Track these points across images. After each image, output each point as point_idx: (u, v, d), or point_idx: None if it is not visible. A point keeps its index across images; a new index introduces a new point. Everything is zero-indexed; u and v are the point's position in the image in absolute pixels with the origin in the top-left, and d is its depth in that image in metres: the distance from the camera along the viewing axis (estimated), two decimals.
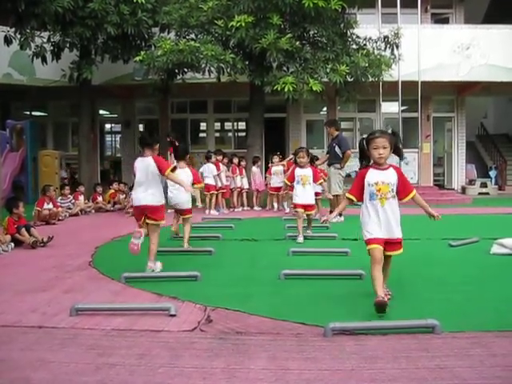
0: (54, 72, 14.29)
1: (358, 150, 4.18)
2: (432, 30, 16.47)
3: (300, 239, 7.32)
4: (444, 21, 18.32)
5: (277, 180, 12.04)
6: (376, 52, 12.78)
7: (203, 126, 19.11)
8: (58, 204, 10.69)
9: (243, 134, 18.33)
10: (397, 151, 4.06)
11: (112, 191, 12.77)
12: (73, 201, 11.68)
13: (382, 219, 3.91)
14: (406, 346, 3.21)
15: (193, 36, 12.31)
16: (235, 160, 12.71)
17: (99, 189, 12.83)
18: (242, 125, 18.91)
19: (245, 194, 12.86)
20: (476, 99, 18.81)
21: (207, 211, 11.23)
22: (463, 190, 18.07)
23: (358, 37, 13.18)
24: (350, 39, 13.00)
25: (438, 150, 19.43)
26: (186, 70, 12.59)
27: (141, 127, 19.33)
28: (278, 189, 11.99)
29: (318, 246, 6.92)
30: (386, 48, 13.24)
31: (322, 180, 8.44)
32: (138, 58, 11.68)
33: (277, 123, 17.82)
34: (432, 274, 5.19)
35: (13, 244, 7.04)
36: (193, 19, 11.55)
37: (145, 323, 3.69)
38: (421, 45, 14.88)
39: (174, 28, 12.32)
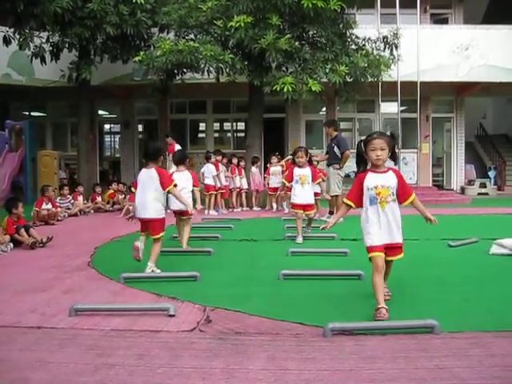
0: (52, 72, 14.28)
1: (355, 153, 4.14)
2: (431, 30, 16.48)
3: (299, 239, 7.31)
4: (443, 21, 18.33)
5: (275, 180, 12.04)
6: (375, 52, 12.79)
7: (202, 126, 19.12)
8: (57, 204, 10.69)
9: (242, 134, 18.33)
10: (392, 155, 4.00)
11: (111, 191, 12.77)
12: (72, 201, 11.67)
13: (382, 223, 3.84)
14: (404, 346, 3.21)
15: (192, 36, 12.30)
16: (234, 160, 12.71)
17: (98, 189, 12.83)
18: (241, 125, 18.92)
19: (244, 195, 12.86)
20: (475, 100, 18.83)
21: (206, 211, 11.23)
22: (462, 190, 18.09)
23: (357, 37, 13.18)
24: (349, 39, 13.00)
25: (437, 150, 19.44)
26: (185, 70, 12.59)
27: (140, 127, 19.35)
28: (276, 189, 11.99)
29: (317, 246, 6.93)
30: (385, 48, 13.25)
31: (321, 180, 8.42)
32: (137, 59, 11.68)
33: (276, 123, 17.82)
34: (431, 275, 5.20)
35: (12, 244, 7.03)
36: (192, 19, 11.55)
37: (144, 323, 3.69)
38: (420, 45, 14.89)
39: (173, 28, 12.32)
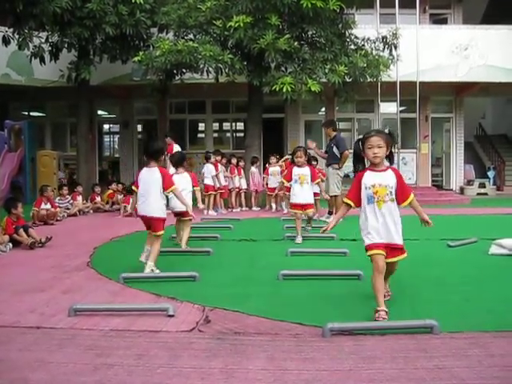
0: (52, 72, 14.28)
1: (352, 152, 4.12)
2: (430, 30, 16.48)
3: (298, 240, 7.31)
4: (442, 21, 18.34)
5: (274, 180, 12.05)
6: (374, 52, 12.77)
7: (201, 126, 19.11)
8: (56, 204, 10.68)
9: (241, 134, 18.33)
10: (389, 155, 3.94)
11: (110, 191, 12.76)
12: (71, 201, 11.66)
13: (380, 223, 3.77)
14: (404, 346, 3.21)
15: (191, 36, 12.28)
16: (233, 160, 12.71)
17: (97, 189, 12.82)
18: (240, 125, 18.91)
19: (243, 195, 12.86)
20: (474, 100, 18.84)
21: (206, 211, 11.23)
22: (461, 190, 18.09)
23: (356, 37, 13.17)
24: (348, 40, 12.98)
25: (437, 150, 19.45)
26: (184, 70, 12.58)
27: (139, 127, 19.33)
28: (275, 189, 12.00)
29: (317, 246, 6.93)
30: (384, 48, 13.23)
31: (320, 180, 8.41)
32: (136, 59, 11.66)
33: (275, 123, 17.83)
34: (430, 275, 5.20)
35: (11, 244, 7.03)
36: (191, 19, 11.54)
37: (143, 323, 3.69)
38: (419, 45, 14.89)
39: (173, 28, 12.31)
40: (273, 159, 12.50)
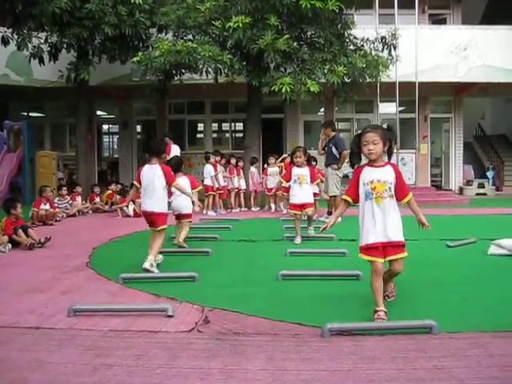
0: (51, 73, 14.29)
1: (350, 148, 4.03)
2: (429, 30, 16.48)
3: (297, 240, 7.31)
4: (441, 21, 18.35)
5: (273, 181, 12.05)
6: (373, 53, 12.78)
7: (201, 126, 19.10)
8: (55, 205, 10.68)
9: (241, 134, 18.33)
10: (388, 149, 3.81)
11: (109, 192, 12.75)
12: (70, 201, 11.66)
13: (377, 220, 3.66)
14: (403, 346, 3.21)
15: (190, 37, 12.29)
16: (233, 161, 12.72)
17: (97, 189, 12.83)
18: (239, 125, 18.92)
19: (242, 195, 12.87)
20: (473, 100, 18.84)
21: (205, 212, 11.24)
22: (461, 190, 18.10)
23: (355, 38, 13.18)
24: (347, 40, 12.99)
25: (436, 150, 19.46)
26: (183, 70, 12.59)
27: (138, 128, 19.33)
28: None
29: (316, 246, 6.94)
30: (383, 49, 13.25)
31: (319, 181, 8.40)
32: (135, 59, 11.66)
33: (274, 124, 17.83)
34: (429, 275, 5.20)
35: (10, 245, 7.03)
36: (190, 20, 11.54)
37: (142, 324, 3.69)
38: (418, 46, 14.90)
39: (172, 29, 12.32)
40: (271, 159, 12.50)
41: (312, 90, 11.05)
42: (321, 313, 3.89)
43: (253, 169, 12.94)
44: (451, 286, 4.76)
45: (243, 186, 12.80)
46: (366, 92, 13.07)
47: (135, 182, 5.81)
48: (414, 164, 16.87)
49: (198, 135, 19.42)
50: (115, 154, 19.95)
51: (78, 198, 11.98)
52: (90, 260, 6.21)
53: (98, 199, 12.57)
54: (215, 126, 19.37)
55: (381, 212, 3.68)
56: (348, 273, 5.06)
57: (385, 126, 3.93)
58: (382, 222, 3.67)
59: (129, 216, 11.10)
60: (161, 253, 5.90)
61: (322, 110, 17.99)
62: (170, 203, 6.52)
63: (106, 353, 3.14)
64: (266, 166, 12.81)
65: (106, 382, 2.74)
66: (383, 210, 3.68)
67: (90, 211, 12.04)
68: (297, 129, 17.91)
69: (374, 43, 13.23)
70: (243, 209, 12.69)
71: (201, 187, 7.36)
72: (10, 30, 12.64)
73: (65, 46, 13.00)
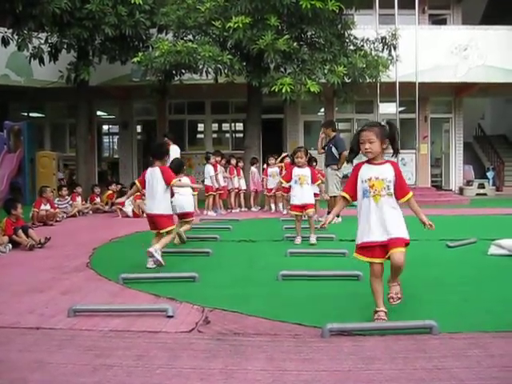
0: (51, 73, 14.29)
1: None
2: (429, 30, 16.50)
3: (298, 240, 7.31)
4: (441, 22, 18.35)
5: (273, 181, 12.04)
6: (373, 53, 12.79)
7: (201, 127, 19.11)
8: (56, 205, 10.69)
9: (241, 134, 18.33)
10: (392, 145, 3.71)
11: (110, 192, 12.74)
12: (70, 202, 11.66)
13: (374, 219, 3.59)
14: (403, 346, 3.21)
15: (190, 37, 12.30)
16: (233, 161, 12.72)
17: (97, 190, 12.83)
18: (239, 126, 18.92)
19: (242, 195, 12.86)
20: (473, 100, 18.84)
21: (205, 212, 11.23)
22: (461, 190, 18.10)
23: (355, 38, 13.19)
24: (347, 40, 13.00)
25: (436, 151, 19.46)
26: (183, 71, 12.60)
27: (138, 128, 19.34)
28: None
29: (316, 246, 6.94)
30: (383, 49, 13.25)
31: (320, 181, 8.38)
32: (135, 59, 11.67)
33: (274, 124, 17.84)
34: (429, 275, 5.20)
35: (10, 245, 7.03)
36: (190, 20, 11.55)
37: (142, 324, 3.69)
38: (418, 46, 14.90)
39: (172, 29, 12.32)
40: (271, 160, 12.49)
41: (312, 90, 11.06)
42: (321, 313, 3.89)
43: (253, 168, 12.94)
44: (451, 286, 4.76)
45: (243, 187, 12.80)
46: (366, 92, 13.07)
47: (137, 181, 5.96)
48: (414, 164, 16.87)
49: (198, 135, 19.43)
50: (115, 155, 19.96)
51: (78, 199, 11.98)
52: (90, 260, 6.21)
53: (98, 199, 12.57)
54: (215, 126, 19.38)
55: (378, 210, 3.61)
56: (348, 273, 5.06)
57: (383, 123, 3.83)
58: (380, 221, 3.59)
59: (128, 216, 11.11)
60: (164, 253, 5.91)
61: (322, 110, 17.99)
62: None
63: (106, 353, 3.14)
64: (265, 166, 12.81)
65: (106, 383, 2.73)
66: (381, 208, 3.60)
67: (90, 211, 12.05)
68: (297, 129, 17.91)
69: (374, 43, 13.24)
70: (243, 209, 12.69)
71: (201, 186, 7.41)
72: (11, 31, 12.65)
73: (65, 46, 13.01)
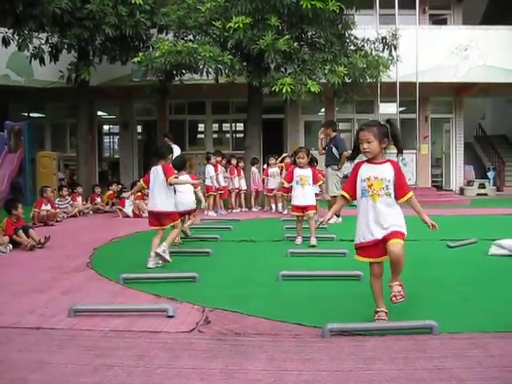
0: (51, 73, 14.29)
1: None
2: (430, 30, 16.49)
3: (298, 240, 7.30)
4: (442, 22, 18.34)
5: (273, 182, 12.04)
6: (374, 53, 12.78)
7: (201, 127, 19.12)
8: (56, 205, 10.69)
9: (241, 135, 18.33)
10: (395, 144, 3.68)
11: (110, 192, 12.74)
12: (71, 202, 11.66)
13: (371, 218, 3.56)
14: (403, 346, 3.21)
15: (191, 37, 12.29)
16: (233, 161, 12.72)
17: (97, 190, 12.83)
18: (240, 126, 18.92)
19: (243, 195, 12.86)
20: (474, 100, 18.84)
21: (206, 212, 11.24)
22: (461, 191, 18.10)
23: (355, 38, 13.18)
24: (347, 40, 13.00)
25: (436, 151, 19.46)
26: (184, 71, 12.59)
27: (139, 128, 19.35)
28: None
29: (316, 247, 6.94)
30: (383, 49, 13.25)
31: (322, 182, 8.35)
32: (136, 60, 11.66)
33: (275, 124, 17.83)
34: (430, 275, 5.21)
35: (11, 245, 7.03)
36: (191, 20, 11.54)
37: (143, 324, 3.70)
38: (419, 46, 14.90)
39: (172, 29, 12.32)
40: (272, 160, 12.49)
41: (312, 90, 11.05)
42: (321, 313, 3.89)
43: (254, 169, 12.94)
44: (452, 286, 4.77)
45: (244, 187, 12.80)
46: (367, 92, 13.06)
47: (141, 180, 6.28)
48: (414, 164, 16.86)
49: (199, 135, 19.43)
50: (116, 155, 19.96)
51: (79, 199, 11.98)
52: (91, 260, 6.21)
53: (98, 200, 12.57)
54: (216, 126, 19.38)
55: (376, 210, 3.57)
56: (349, 273, 5.05)
57: (383, 122, 3.76)
58: (377, 220, 3.57)
59: (128, 217, 11.12)
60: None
61: (323, 110, 17.99)
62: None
63: (107, 353, 3.14)
64: (266, 166, 12.81)
65: (107, 383, 2.74)
66: (379, 207, 3.57)
67: (91, 212, 12.04)
68: (297, 129, 17.91)
69: (374, 43, 13.23)
70: (244, 209, 12.69)
71: (199, 181, 7.49)
72: (11, 31, 12.64)
73: (65, 46, 13.00)
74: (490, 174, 19.46)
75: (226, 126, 19.44)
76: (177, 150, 10.64)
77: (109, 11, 12.06)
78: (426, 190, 16.19)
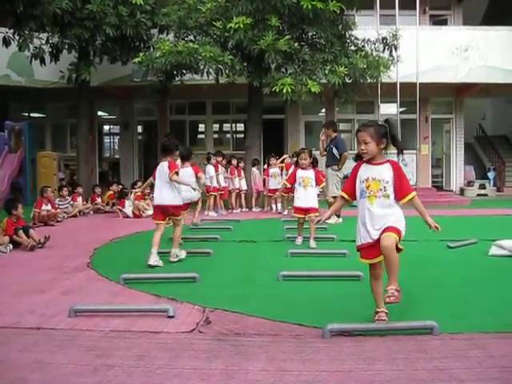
0: (52, 73, 14.29)
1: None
2: (430, 31, 16.48)
3: (299, 241, 7.29)
4: (442, 22, 18.33)
5: (274, 182, 12.04)
6: (374, 53, 12.79)
7: (202, 127, 19.11)
8: (57, 205, 10.69)
9: (242, 135, 18.33)
10: (394, 143, 3.62)
11: (111, 192, 12.74)
12: (71, 202, 11.66)
13: (368, 220, 3.54)
14: (404, 347, 3.21)
15: (191, 37, 12.30)
16: (234, 161, 12.71)
17: (98, 190, 12.82)
18: (240, 126, 18.91)
19: (243, 196, 12.86)
20: (474, 101, 18.82)
21: (206, 212, 11.23)
22: (461, 191, 18.09)
23: (356, 38, 13.19)
24: (348, 41, 13.01)
25: (437, 151, 19.45)
26: (184, 71, 12.59)
27: (139, 128, 19.34)
28: (275, 191, 12.00)
29: (317, 247, 6.94)
30: (384, 49, 13.25)
31: (325, 183, 8.31)
32: (136, 60, 11.67)
33: (275, 124, 17.82)
34: (430, 276, 5.20)
35: (11, 245, 7.03)
36: (191, 21, 11.55)
37: (143, 324, 3.70)
38: (419, 46, 14.89)
39: (173, 29, 12.33)
40: (273, 160, 12.48)
41: (313, 90, 11.06)
42: (321, 313, 3.89)
43: (254, 170, 12.94)
44: (452, 286, 4.77)
45: (244, 187, 12.80)
46: (367, 93, 13.06)
47: (151, 177, 6.45)
48: (414, 165, 16.84)
49: (199, 136, 19.43)
50: (116, 155, 19.95)
51: (79, 199, 11.97)
52: (91, 260, 6.21)
53: (99, 200, 12.57)
54: (216, 126, 19.37)
55: (373, 211, 3.54)
56: (349, 273, 5.05)
57: (380, 122, 3.72)
58: (374, 221, 3.53)
59: (128, 217, 11.12)
60: (162, 254, 5.92)
61: (323, 110, 17.98)
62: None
63: (107, 353, 3.14)
64: (266, 166, 12.80)
65: (107, 383, 2.74)
66: (376, 209, 3.53)
67: (91, 212, 12.04)
68: (298, 129, 17.90)
69: (374, 44, 13.24)
70: (244, 209, 12.68)
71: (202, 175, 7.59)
72: (12, 31, 12.64)
73: (66, 46, 13.01)
74: (491, 175, 19.44)
75: (226, 127, 19.44)
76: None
77: (109, 11, 12.07)
78: (427, 190, 16.17)
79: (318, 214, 7.34)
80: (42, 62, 13.16)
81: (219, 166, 11.90)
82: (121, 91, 16.58)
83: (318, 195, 8.97)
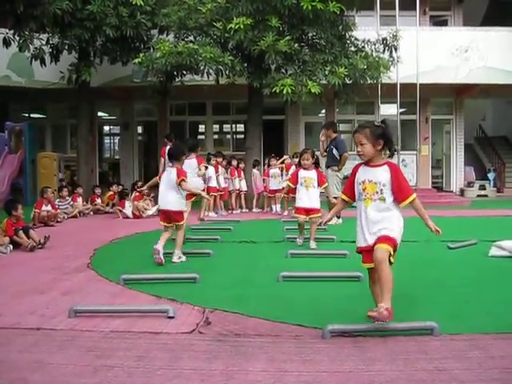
0: (52, 74, 14.28)
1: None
2: (430, 32, 16.47)
3: (299, 241, 7.29)
4: (442, 23, 18.33)
5: (275, 183, 12.03)
6: (374, 54, 12.79)
7: (202, 128, 19.11)
8: (57, 206, 10.69)
9: (242, 136, 18.34)
10: (387, 144, 3.55)
11: (111, 193, 12.74)
12: (71, 203, 11.66)
13: (364, 223, 3.50)
14: (404, 348, 3.21)
15: (191, 38, 12.31)
16: (234, 162, 12.72)
17: (98, 191, 12.82)
18: (240, 127, 18.91)
19: (243, 196, 12.86)
20: (474, 101, 18.83)
21: (206, 213, 11.22)
22: (462, 192, 18.08)
23: (356, 39, 13.19)
24: (348, 41, 13.01)
25: (437, 152, 19.44)
26: (184, 72, 12.59)
27: (139, 129, 19.34)
28: (275, 191, 11.99)
29: (317, 248, 6.93)
30: (384, 50, 13.26)
31: (327, 184, 8.28)
32: (136, 60, 11.67)
33: (275, 125, 17.82)
34: (430, 276, 5.20)
35: (11, 246, 7.03)
36: (191, 21, 11.56)
37: (143, 325, 3.70)
38: (419, 47, 14.90)
39: (173, 30, 12.33)
40: (273, 161, 12.48)
41: (313, 91, 11.06)
42: (322, 314, 3.89)
43: (255, 171, 12.94)
44: (452, 287, 4.76)
45: (244, 188, 12.80)
46: (367, 93, 13.06)
47: (158, 177, 6.52)
48: (414, 165, 16.86)
49: (200, 136, 19.40)
50: (116, 156, 19.94)
51: (79, 199, 11.98)
52: (91, 261, 6.21)
53: (99, 200, 12.56)
54: (216, 127, 19.37)
55: (369, 214, 3.48)
56: (349, 274, 5.05)
57: (377, 122, 3.62)
58: (369, 225, 3.48)
59: (128, 217, 11.11)
60: (165, 254, 5.92)
61: (323, 111, 17.98)
62: None
63: (107, 354, 3.14)
64: (266, 167, 12.80)
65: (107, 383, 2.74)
66: (371, 212, 3.47)
67: (91, 212, 12.04)
68: (298, 130, 17.90)
69: (375, 45, 13.24)
70: (244, 210, 12.68)
71: (205, 164, 7.76)
72: (12, 32, 12.63)
73: (66, 47, 13.01)
74: (491, 176, 19.44)
75: (226, 127, 19.44)
76: None
77: (109, 12, 12.08)
78: (427, 191, 16.16)
79: (320, 214, 7.27)
80: (43, 62, 13.16)
81: (219, 166, 11.90)
82: (121, 92, 16.58)
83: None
